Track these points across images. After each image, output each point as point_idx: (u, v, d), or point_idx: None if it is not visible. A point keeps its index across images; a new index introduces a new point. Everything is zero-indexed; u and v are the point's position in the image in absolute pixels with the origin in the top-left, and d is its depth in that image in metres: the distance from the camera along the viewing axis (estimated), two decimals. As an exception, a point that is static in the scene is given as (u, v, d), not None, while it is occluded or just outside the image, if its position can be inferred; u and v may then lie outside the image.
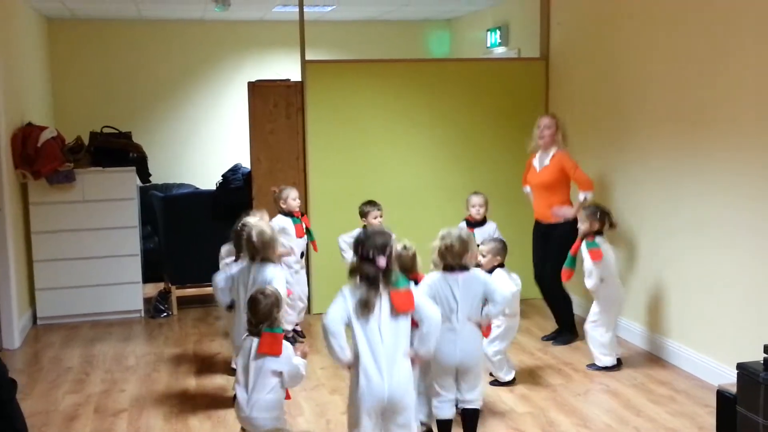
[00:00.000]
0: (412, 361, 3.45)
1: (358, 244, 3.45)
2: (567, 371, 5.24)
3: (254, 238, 4.24)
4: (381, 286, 3.36)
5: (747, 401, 3.88)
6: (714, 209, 4.87)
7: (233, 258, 4.75)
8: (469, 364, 3.96)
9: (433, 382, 4.00)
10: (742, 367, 3.94)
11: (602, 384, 5.01)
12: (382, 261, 3.36)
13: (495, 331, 4.82)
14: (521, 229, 6.15)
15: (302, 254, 5.82)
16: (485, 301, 3.97)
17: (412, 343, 3.45)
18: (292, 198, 5.81)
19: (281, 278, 4.17)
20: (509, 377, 5.00)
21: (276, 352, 3.55)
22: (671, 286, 5.35)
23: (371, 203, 5.74)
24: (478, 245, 4.75)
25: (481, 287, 3.96)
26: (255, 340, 3.60)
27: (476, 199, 5.89)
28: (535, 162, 5.93)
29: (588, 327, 5.27)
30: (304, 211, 6.57)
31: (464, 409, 4.04)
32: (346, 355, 3.35)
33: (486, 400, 4.66)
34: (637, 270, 5.71)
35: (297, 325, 5.98)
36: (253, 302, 3.61)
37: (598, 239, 5.20)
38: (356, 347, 3.34)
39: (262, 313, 3.59)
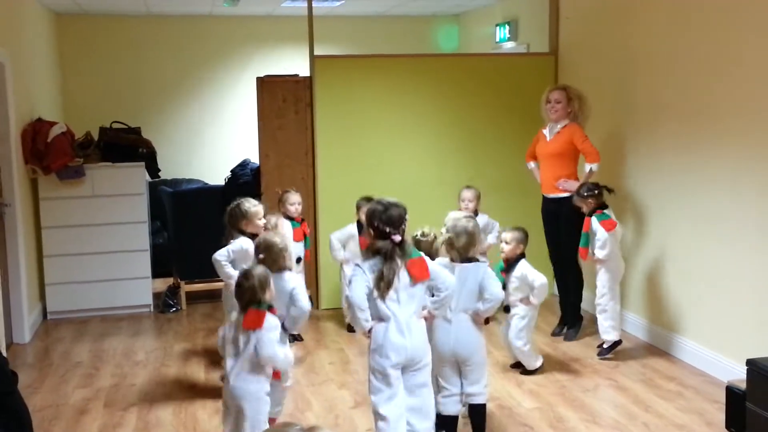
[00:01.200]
0: (426, 320, 3.74)
1: (372, 219, 3.58)
2: (575, 366, 5.23)
3: (266, 252, 4.23)
4: (397, 259, 3.53)
5: (756, 397, 3.87)
6: (723, 204, 4.85)
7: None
8: (464, 354, 3.96)
9: (437, 376, 4.01)
10: (751, 363, 3.93)
11: (611, 379, 5.00)
12: (397, 237, 3.55)
13: (520, 323, 4.90)
14: (529, 223, 6.10)
15: (299, 259, 5.76)
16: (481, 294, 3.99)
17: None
18: (289, 203, 5.82)
19: (304, 291, 4.19)
20: (539, 363, 5.07)
21: (257, 326, 3.58)
22: (679, 281, 5.33)
23: (368, 199, 5.70)
24: (499, 233, 4.86)
25: (477, 281, 3.97)
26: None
27: (467, 194, 5.89)
28: (546, 131, 5.89)
29: (602, 302, 5.31)
30: (313, 205, 6.59)
31: (470, 405, 4.05)
32: (370, 325, 3.58)
33: (494, 395, 4.68)
34: (645, 265, 5.70)
35: None
36: (237, 287, 3.69)
37: (606, 211, 5.27)
38: (378, 314, 3.55)
39: (246, 295, 3.65)
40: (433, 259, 3.91)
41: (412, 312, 3.58)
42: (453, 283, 3.75)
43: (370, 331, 3.59)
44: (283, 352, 3.67)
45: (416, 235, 4.07)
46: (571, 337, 5.82)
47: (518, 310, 4.92)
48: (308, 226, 6.01)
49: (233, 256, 4.70)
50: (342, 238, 6.00)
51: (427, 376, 3.66)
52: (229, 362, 3.67)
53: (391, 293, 3.53)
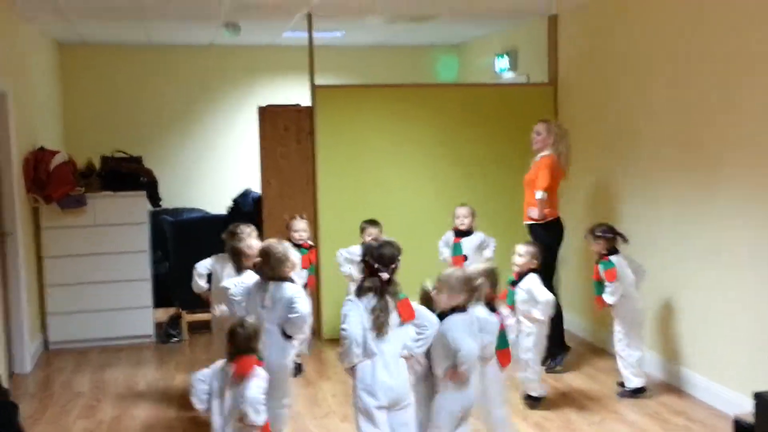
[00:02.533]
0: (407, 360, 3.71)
1: (365, 256, 3.68)
2: (581, 400, 5.21)
3: (264, 257, 4.22)
4: (389, 298, 3.62)
5: (764, 431, 3.85)
6: (726, 234, 4.86)
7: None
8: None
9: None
10: (759, 397, 3.91)
11: (617, 413, 4.98)
12: (384, 275, 3.62)
13: (526, 341, 4.90)
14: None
15: (304, 285, 5.72)
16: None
17: None
18: (294, 230, 5.83)
19: (303, 297, 4.16)
20: (543, 391, 5.03)
21: (246, 371, 3.51)
22: (684, 313, 5.33)
23: (371, 222, 5.88)
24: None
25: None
26: (232, 367, 3.57)
27: (461, 211, 6.00)
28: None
29: (618, 348, 5.25)
30: (314, 234, 6.57)
31: None
32: (359, 360, 3.62)
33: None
34: (649, 296, 5.68)
35: (298, 356, 5.88)
36: (232, 334, 3.62)
37: (613, 258, 5.17)
38: (366, 351, 3.61)
39: (239, 344, 3.59)
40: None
41: (397, 351, 3.63)
42: (436, 322, 3.69)
43: (353, 367, 3.62)
44: (262, 407, 3.52)
45: (425, 287, 3.92)
46: (559, 363, 5.78)
47: (524, 327, 4.91)
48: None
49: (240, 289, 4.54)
50: (348, 257, 5.96)
51: (409, 416, 3.68)
52: (217, 420, 3.55)
53: (383, 333, 3.60)
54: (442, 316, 3.75)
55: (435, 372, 3.75)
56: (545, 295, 4.83)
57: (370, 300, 3.61)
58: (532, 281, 4.89)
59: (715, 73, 4.89)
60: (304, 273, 5.76)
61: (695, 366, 5.24)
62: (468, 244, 5.91)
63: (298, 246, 5.76)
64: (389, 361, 3.59)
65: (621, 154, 6.02)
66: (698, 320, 5.18)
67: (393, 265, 3.65)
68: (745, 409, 4.21)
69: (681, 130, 5.27)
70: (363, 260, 3.70)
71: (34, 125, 6.97)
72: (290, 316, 4.05)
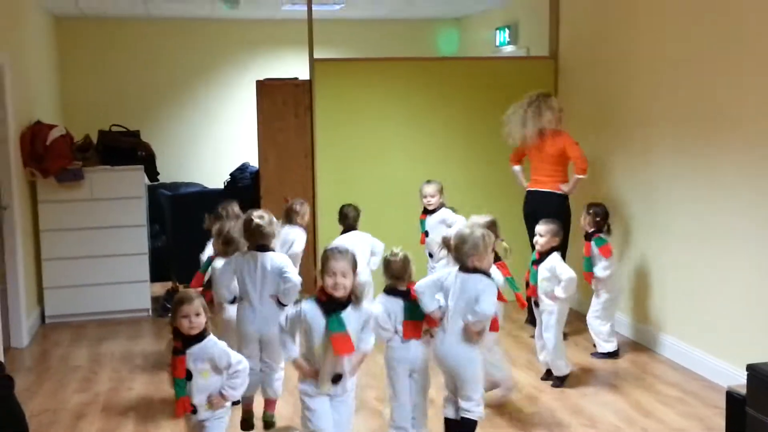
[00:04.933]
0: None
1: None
2: (575, 371, 5.21)
3: (258, 225, 4.21)
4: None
5: (757, 402, 3.85)
6: (723, 209, 4.83)
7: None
8: (451, 365, 3.84)
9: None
10: (751, 369, 3.91)
11: (611, 384, 4.98)
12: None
13: (549, 319, 4.88)
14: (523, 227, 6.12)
15: None
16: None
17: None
18: (301, 214, 5.50)
19: (291, 265, 4.24)
20: (568, 370, 5.01)
21: None
22: (680, 287, 5.31)
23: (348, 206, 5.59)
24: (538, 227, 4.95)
25: (473, 293, 3.76)
26: None
27: (428, 189, 5.80)
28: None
29: (591, 319, 5.47)
30: (312, 209, 6.52)
31: (462, 417, 3.93)
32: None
33: (492, 401, 4.65)
34: (645, 271, 5.68)
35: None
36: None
37: (602, 235, 5.39)
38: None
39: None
40: (402, 279, 3.82)
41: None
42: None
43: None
44: None
45: (386, 256, 3.90)
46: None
47: (546, 306, 4.90)
48: (308, 229, 5.86)
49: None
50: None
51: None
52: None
53: None
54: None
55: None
56: (568, 273, 4.80)
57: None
58: (555, 259, 4.87)
59: (721, 46, 4.83)
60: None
61: (688, 339, 5.24)
62: (431, 220, 5.73)
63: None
64: None
65: (619, 128, 5.98)
66: (691, 293, 5.17)
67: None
68: (739, 380, 4.22)
69: (684, 106, 5.21)
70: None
71: (31, 99, 6.94)
72: (285, 286, 4.09)
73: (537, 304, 4.96)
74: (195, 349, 3.37)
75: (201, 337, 3.39)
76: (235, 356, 3.46)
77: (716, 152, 4.87)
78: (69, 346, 6.06)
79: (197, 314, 3.37)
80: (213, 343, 3.43)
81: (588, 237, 5.38)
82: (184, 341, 3.37)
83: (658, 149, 5.48)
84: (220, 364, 3.40)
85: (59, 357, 5.80)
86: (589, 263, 5.37)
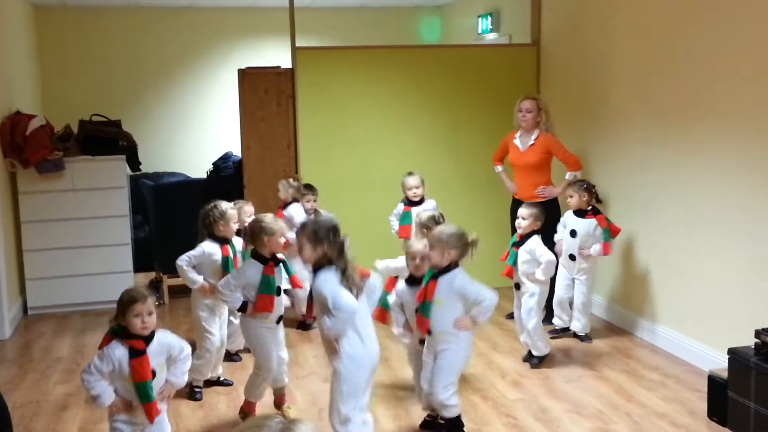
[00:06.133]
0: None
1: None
2: (558, 357, 5.24)
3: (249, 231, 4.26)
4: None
5: (738, 386, 3.90)
6: (706, 197, 4.86)
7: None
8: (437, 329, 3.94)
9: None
10: (733, 352, 3.96)
11: (594, 370, 5.01)
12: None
13: (530, 302, 4.94)
14: (505, 217, 6.13)
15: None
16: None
17: None
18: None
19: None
20: (547, 350, 5.09)
21: None
22: (662, 272, 5.35)
23: (307, 186, 5.96)
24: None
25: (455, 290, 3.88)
26: None
27: (412, 181, 5.86)
28: (517, 142, 5.94)
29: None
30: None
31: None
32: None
33: (477, 387, 4.69)
34: (630, 257, 5.71)
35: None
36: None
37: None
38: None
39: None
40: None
41: None
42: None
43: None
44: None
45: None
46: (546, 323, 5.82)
47: (528, 288, 4.94)
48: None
49: (194, 261, 4.60)
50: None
51: None
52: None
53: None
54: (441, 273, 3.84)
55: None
56: (547, 255, 4.85)
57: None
58: (535, 242, 4.91)
59: (704, 33, 4.84)
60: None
61: (670, 323, 5.28)
62: (417, 212, 5.64)
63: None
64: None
65: (603, 116, 6.00)
66: (674, 279, 5.20)
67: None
68: (720, 364, 4.26)
69: (666, 91, 5.23)
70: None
71: (10, 89, 6.87)
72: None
73: (518, 287, 5.00)
74: (154, 346, 3.28)
75: (152, 333, 3.29)
76: (182, 341, 3.40)
77: (699, 138, 4.89)
78: (52, 337, 6.03)
79: (150, 313, 3.25)
80: (163, 333, 3.35)
81: (596, 212, 5.43)
82: (144, 341, 3.26)
83: (641, 135, 5.50)
84: (174, 353, 3.34)
85: (42, 348, 5.76)
86: (608, 233, 5.39)
